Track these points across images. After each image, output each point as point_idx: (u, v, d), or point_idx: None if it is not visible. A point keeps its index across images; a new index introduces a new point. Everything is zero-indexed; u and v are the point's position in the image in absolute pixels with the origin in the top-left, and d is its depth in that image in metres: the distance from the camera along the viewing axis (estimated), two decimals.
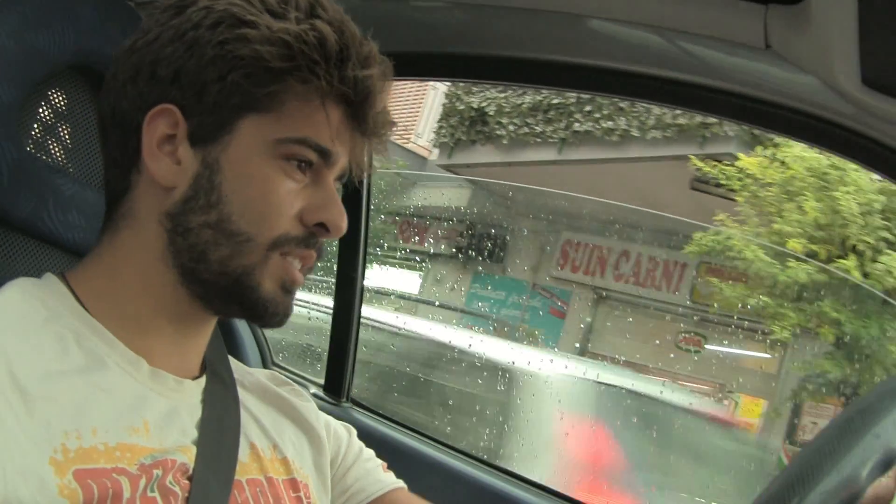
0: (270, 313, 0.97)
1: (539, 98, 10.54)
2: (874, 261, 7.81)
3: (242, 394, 1.11)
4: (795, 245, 8.15)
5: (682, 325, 9.77)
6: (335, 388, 1.97)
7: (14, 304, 0.91)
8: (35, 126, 1.19)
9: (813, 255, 8.17)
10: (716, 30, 1.14)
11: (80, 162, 1.23)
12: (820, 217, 8.05)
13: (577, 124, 10.12)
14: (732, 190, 8.64)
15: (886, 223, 7.94)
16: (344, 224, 0.98)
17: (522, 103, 10.60)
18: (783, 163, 8.30)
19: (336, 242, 1.86)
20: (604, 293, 11.25)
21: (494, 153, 10.95)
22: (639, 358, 11.09)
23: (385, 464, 1.26)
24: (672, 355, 10.44)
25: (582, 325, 11.40)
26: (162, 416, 0.94)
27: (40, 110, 1.19)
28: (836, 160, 7.89)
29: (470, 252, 11.79)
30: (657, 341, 10.55)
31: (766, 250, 8.37)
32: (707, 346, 10.00)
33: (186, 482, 0.92)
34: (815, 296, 8.25)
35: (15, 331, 0.88)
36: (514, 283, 11.92)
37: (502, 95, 10.77)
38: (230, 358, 1.17)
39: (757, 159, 8.42)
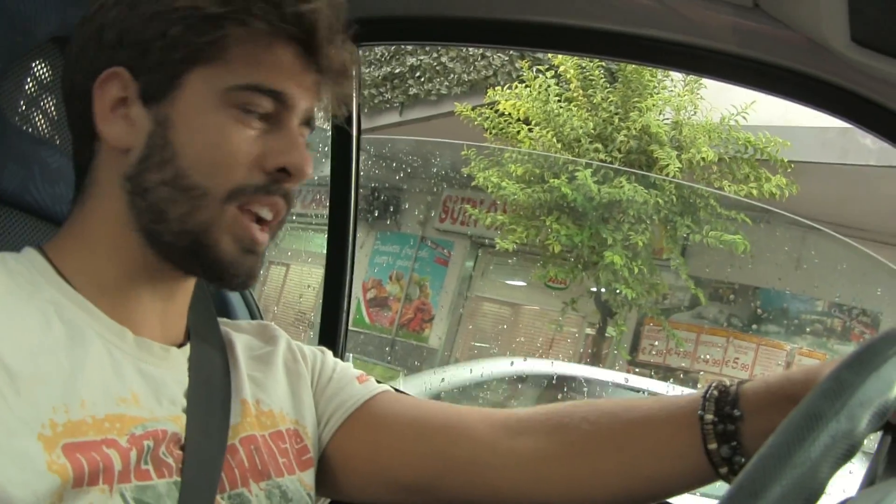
0: (230, 275, 0.92)
1: (388, 69, 11.33)
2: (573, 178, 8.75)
3: (230, 354, 1.06)
4: (518, 170, 9.14)
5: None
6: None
7: None
8: (20, 99, 1.13)
9: (539, 177, 9.12)
10: None
11: (67, 133, 1.13)
12: (535, 145, 9.07)
13: (411, 89, 11.01)
14: (484, 128, 9.45)
15: (597, 146, 8.88)
16: (308, 168, 0.93)
17: (379, 75, 11.37)
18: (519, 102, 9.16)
19: (327, 208, 1.81)
20: (480, 241, 12.02)
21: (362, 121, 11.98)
22: (514, 298, 12.15)
23: (363, 374, 1.17)
24: (545, 295, 11.23)
25: (462, 272, 12.32)
26: (150, 385, 0.90)
27: (25, 82, 1.14)
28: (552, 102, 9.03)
29: (372, 212, 12.54)
30: (528, 283, 11.40)
31: (499, 176, 9.24)
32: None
33: (179, 452, 0.89)
34: (542, 213, 9.17)
35: None
36: (407, 238, 12.79)
37: (366, 70, 11.21)
38: (219, 319, 1.11)
39: (511, 101, 9.17)
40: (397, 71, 11.33)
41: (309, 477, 1.06)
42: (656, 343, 10.59)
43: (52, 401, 0.81)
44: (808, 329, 10.14)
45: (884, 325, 9.77)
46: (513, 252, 9.58)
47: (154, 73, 0.90)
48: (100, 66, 0.91)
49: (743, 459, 0.90)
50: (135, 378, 0.90)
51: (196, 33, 0.89)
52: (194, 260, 0.93)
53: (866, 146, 8.15)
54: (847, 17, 0.93)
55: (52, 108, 1.19)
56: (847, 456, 0.63)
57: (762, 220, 9.13)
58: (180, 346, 0.99)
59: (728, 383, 0.94)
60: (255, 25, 0.88)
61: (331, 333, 1.83)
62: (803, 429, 0.64)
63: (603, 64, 8.91)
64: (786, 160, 8.52)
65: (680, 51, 1.27)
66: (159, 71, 0.90)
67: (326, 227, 1.84)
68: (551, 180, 8.86)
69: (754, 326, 10.31)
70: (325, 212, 1.84)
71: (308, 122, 0.97)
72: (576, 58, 8.74)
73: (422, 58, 10.91)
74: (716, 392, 0.93)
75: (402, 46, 10.61)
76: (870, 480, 0.74)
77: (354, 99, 1.61)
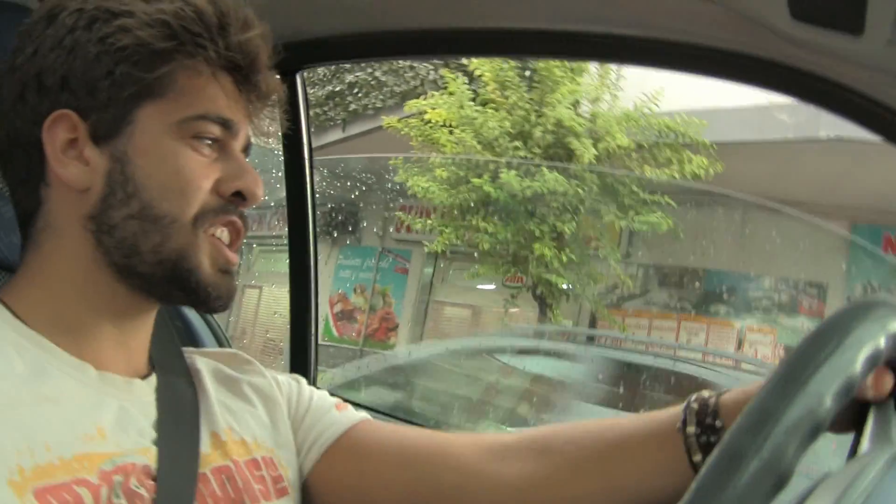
0: (213, 297, 0.93)
1: (330, 88, 11.62)
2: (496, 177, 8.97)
3: (198, 382, 1.05)
4: (441, 172, 9.38)
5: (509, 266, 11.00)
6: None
7: None
8: None
9: (464, 178, 9.33)
10: None
11: None
12: (457, 148, 9.28)
13: (351, 105, 11.30)
14: (409, 136, 9.68)
15: (517, 144, 9.09)
16: (260, 191, 0.95)
17: (322, 94, 11.61)
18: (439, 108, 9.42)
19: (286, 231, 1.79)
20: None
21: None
22: (473, 300, 12.32)
23: (341, 401, 1.16)
24: (503, 295, 11.77)
25: (422, 279, 12.51)
26: (116, 419, 0.89)
27: None
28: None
29: (334, 229, 12.70)
30: (491, 285, 11.40)
31: (426, 181, 9.47)
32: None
33: (151, 483, 0.87)
34: (470, 213, 9.43)
35: None
36: (367, 250, 12.97)
37: (311, 91, 11.20)
38: (185, 348, 1.12)
39: (437, 109, 9.40)
40: (338, 89, 11.63)
41: None
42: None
43: (17, 444, 0.79)
44: (756, 305, 10.26)
45: (830, 295, 9.72)
46: (464, 253, 9.80)
47: (103, 112, 0.91)
48: (44, 110, 0.91)
49: None
50: (99, 412, 0.89)
51: (144, 69, 0.90)
52: (174, 287, 0.93)
53: (783, 121, 8.36)
54: None
55: None
56: (813, 434, 0.63)
57: (700, 202, 9.29)
58: (144, 377, 0.99)
59: (707, 395, 0.94)
60: (203, 55, 0.91)
61: (301, 351, 1.85)
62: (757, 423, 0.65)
63: (517, 65, 9.17)
64: (707, 142, 8.66)
65: (618, 43, 1.27)
66: (109, 109, 0.91)
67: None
68: (474, 180, 9.07)
69: (703, 307, 10.47)
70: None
71: (245, 148, 1.00)
72: (494, 61, 9.00)
73: (358, 74, 11.19)
74: (695, 405, 0.93)
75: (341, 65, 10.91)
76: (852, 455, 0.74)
77: (303, 120, 1.69)
